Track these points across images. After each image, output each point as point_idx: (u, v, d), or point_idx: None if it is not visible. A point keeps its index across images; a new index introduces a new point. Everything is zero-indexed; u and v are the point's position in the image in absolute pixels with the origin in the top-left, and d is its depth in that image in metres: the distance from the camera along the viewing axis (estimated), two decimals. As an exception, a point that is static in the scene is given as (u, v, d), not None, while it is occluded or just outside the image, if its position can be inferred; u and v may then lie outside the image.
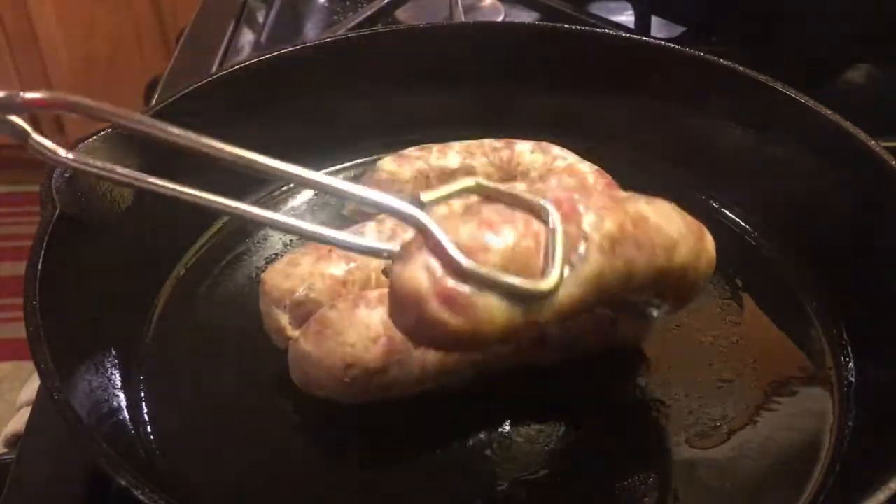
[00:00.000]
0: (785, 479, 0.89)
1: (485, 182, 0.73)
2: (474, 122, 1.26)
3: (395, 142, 1.23)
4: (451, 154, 1.15)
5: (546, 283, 0.71)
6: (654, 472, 0.90)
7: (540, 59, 1.27)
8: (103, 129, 1.03)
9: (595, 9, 1.67)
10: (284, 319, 0.95)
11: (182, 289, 1.08)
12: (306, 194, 1.25)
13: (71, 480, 0.91)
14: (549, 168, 1.12)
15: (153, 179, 0.75)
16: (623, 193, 0.85)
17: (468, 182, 0.73)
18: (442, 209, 0.77)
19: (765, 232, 1.16)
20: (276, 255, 1.15)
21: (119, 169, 0.74)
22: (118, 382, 0.95)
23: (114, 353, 0.96)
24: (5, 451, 1.11)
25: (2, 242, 3.67)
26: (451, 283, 0.68)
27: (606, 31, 1.39)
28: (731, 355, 1.00)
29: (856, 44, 1.38)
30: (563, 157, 1.14)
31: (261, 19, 1.67)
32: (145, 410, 0.95)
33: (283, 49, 1.23)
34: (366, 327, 0.89)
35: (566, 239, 0.73)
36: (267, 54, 1.22)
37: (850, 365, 0.99)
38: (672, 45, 1.26)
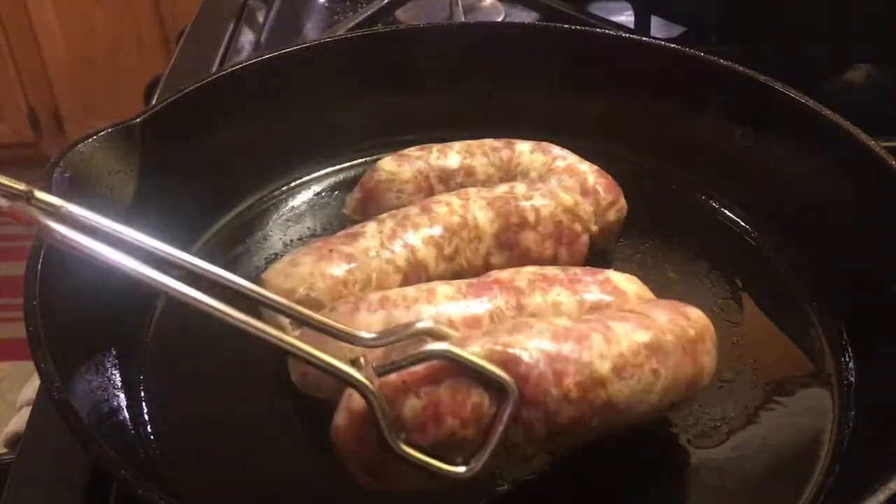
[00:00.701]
0: (785, 479, 0.89)
1: (455, 350, 0.74)
2: (474, 122, 1.26)
3: (395, 142, 1.23)
4: (451, 154, 1.15)
5: (465, 471, 0.75)
6: (654, 472, 0.90)
7: (540, 59, 1.27)
8: (103, 130, 1.03)
9: (595, 9, 1.67)
10: (285, 320, 0.95)
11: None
12: (306, 194, 1.25)
13: (71, 480, 0.91)
14: (549, 168, 1.13)
15: (113, 258, 0.73)
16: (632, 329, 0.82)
17: (437, 347, 0.74)
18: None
19: (765, 232, 1.16)
20: (276, 254, 1.15)
21: (93, 247, 0.74)
22: (118, 382, 0.95)
23: (114, 353, 0.96)
24: (5, 451, 1.11)
25: (2, 242, 3.67)
26: (376, 457, 0.74)
27: (606, 31, 1.39)
28: (731, 355, 1.00)
29: (856, 44, 1.38)
30: (563, 157, 1.14)
31: (261, 19, 1.67)
32: (145, 410, 0.95)
33: (283, 49, 1.23)
34: (366, 331, 0.88)
35: (513, 425, 0.76)
36: (267, 54, 1.23)
37: (850, 365, 0.99)
38: (672, 45, 1.26)
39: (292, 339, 0.72)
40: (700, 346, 0.86)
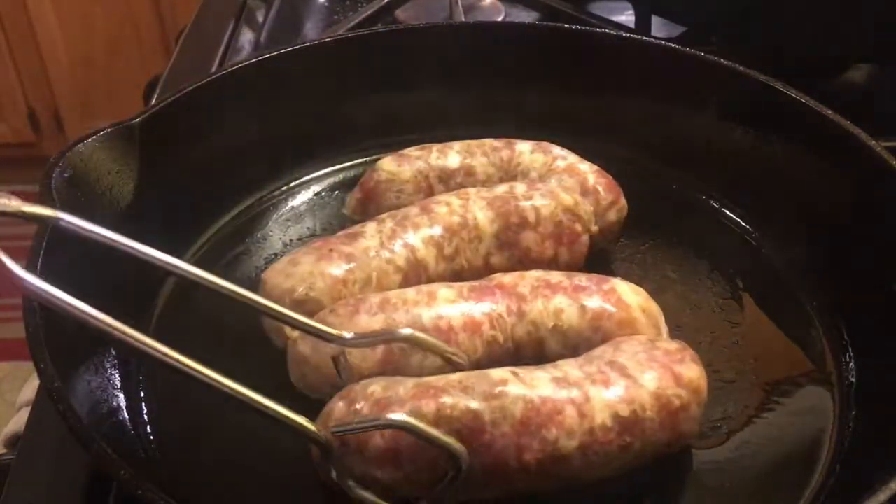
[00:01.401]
0: (785, 479, 0.89)
1: (412, 422, 0.77)
2: (474, 122, 1.26)
3: (395, 142, 1.23)
4: (451, 154, 1.15)
5: None
6: (654, 472, 0.90)
7: (540, 59, 1.27)
8: (103, 130, 1.03)
9: (595, 9, 1.66)
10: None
11: (182, 289, 1.08)
12: (306, 194, 1.25)
13: (71, 480, 0.91)
14: (549, 168, 1.13)
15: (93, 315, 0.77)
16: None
17: (396, 417, 0.78)
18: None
19: (765, 232, 1.16)
20: (276, 254, 1.15)
21: (72, 303, 0.76)
22: (118, 382, 0.95)
23: (114, 353, 0.96)
24: (5, 451, 1.11)
25: (2, 242, 3.67)
26: (338, 483, 0.80)
27: (607, 31, 1.39)
28: (731, 355, 1.00)
29: (856, 44, 1.38)
30: (563, 157, 1.14)
31: (261, 19, 1.67)
32: (145, 410, 0.95)
33: (283, 49, 1.23)
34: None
35: (462, 483, 0.79)
36: (267, 54, 1.23)
37: (851, 365, 0.99)
38: (672, 45, 1.26)
39: (259, 397, 0.77)
40: (683, 415, 0.84)
